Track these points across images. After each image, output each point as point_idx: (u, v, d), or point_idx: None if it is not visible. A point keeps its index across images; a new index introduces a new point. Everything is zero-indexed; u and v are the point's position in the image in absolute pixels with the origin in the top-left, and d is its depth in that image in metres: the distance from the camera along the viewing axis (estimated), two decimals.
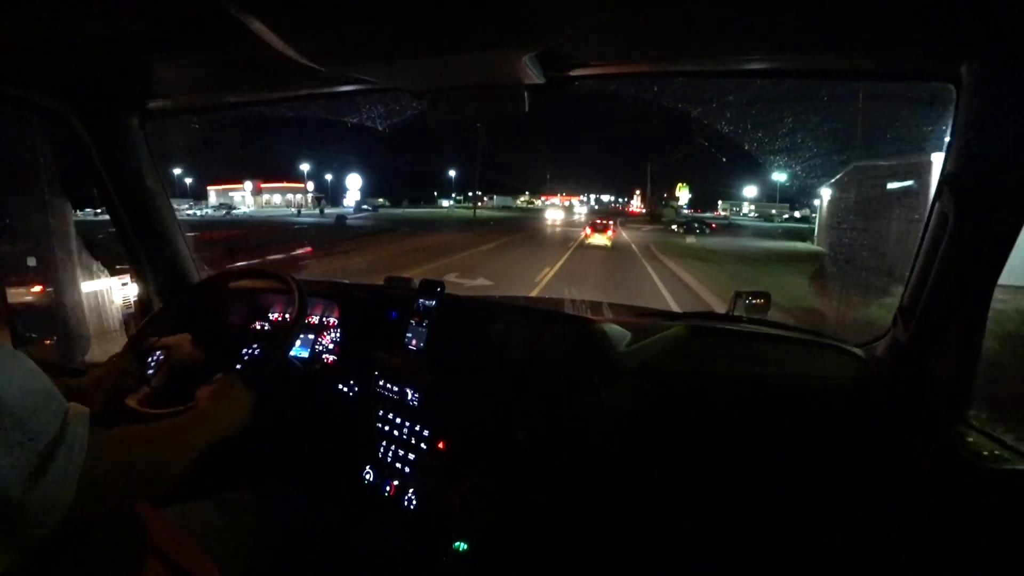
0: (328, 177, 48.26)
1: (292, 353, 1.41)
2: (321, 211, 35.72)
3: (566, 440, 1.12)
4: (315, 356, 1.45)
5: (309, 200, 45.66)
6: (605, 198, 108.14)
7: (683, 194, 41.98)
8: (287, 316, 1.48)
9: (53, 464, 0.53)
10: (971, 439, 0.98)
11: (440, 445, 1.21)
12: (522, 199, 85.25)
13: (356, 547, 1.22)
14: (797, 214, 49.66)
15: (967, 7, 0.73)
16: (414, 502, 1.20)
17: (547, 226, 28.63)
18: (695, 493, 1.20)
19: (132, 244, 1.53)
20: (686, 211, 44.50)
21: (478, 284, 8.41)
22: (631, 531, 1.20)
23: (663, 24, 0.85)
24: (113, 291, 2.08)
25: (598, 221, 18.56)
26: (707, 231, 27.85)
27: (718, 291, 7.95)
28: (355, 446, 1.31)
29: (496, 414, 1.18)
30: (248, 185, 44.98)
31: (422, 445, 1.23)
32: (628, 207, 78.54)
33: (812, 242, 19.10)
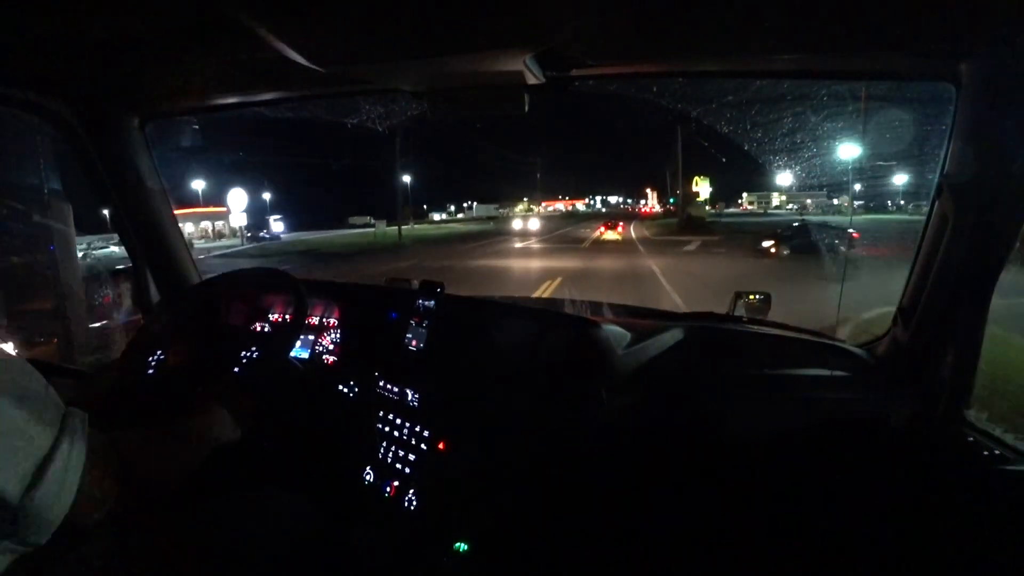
0: (267, 197, 40.72)
1: (292, 354, 1.41)
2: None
3: (566, 441, 1.12)
4: (315, 357, 1.45)
5: (228, 227, 36.57)
6: (613, 199, 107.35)
7: (703, 188, 34.07)
8: (287, 317, 1.48)
9: (51, 469, 0.53)
10: (971, 439, 0.98)
11: (440, 445, 1.20)
12: (520, 206, 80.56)
13: (356, 548, 1.22)
14: (835, 202, 36.90)
15: (967, 7, 0.73)
16: (414, 502, 1.20)
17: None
18: (695, 493, 1.19)
19: (132, 244, 1.53)
20: (707, 208, 36.80)
21: None
22: (631, 533, 1.20)
23: (663, 25, 0.85)
24: None
25: (610, 222, 22.23)
26: (845, 247, 11.85)
27: None
28: (355, 447, 1.31)
29: (496, 414, 1.18)
30: None
31: (422, 445, 1.23)
32: (640, 207, 74.90)
33: None
